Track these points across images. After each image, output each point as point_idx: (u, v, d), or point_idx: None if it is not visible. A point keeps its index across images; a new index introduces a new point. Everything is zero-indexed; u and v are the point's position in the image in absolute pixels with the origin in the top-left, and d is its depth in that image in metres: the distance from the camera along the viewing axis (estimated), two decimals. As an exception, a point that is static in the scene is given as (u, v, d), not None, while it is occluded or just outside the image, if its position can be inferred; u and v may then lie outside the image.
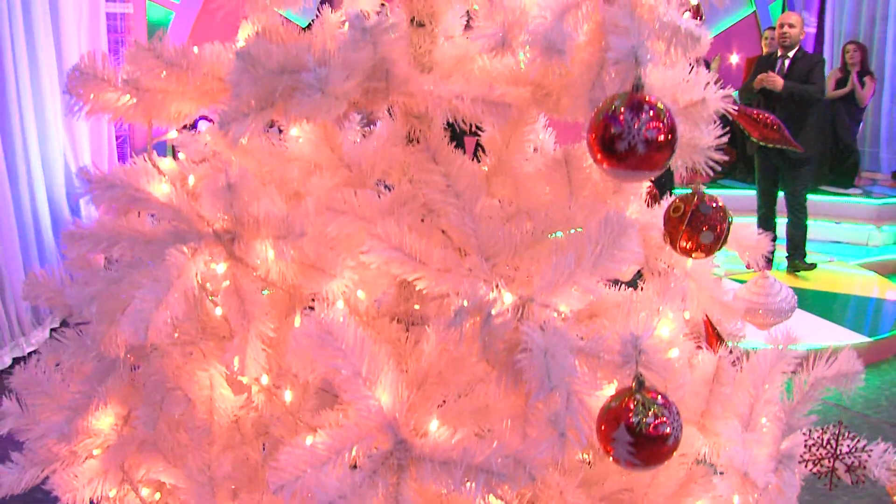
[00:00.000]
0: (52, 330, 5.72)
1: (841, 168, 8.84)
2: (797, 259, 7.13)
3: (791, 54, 6.74)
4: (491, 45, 1.32)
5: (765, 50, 9.23)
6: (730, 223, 1.74)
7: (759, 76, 6.63)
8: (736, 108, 1.68)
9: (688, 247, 1.68)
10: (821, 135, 7.33)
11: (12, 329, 5.31)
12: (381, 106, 1.43)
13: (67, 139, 6.04)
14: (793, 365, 1.90)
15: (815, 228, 8.25)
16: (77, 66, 1.46)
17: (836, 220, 8.34)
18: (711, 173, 1.73)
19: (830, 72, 9.59)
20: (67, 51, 5.92)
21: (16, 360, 5.30)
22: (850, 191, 8.80)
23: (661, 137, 1.29)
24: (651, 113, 1.28)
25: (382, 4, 1.76)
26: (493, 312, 1.25)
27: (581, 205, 1.60)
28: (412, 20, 1.54)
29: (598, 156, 1.30)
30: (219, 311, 1.56)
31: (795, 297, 2.25)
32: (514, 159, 1.65)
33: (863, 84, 8.89)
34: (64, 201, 5.98)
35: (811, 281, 7.05)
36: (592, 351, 1.29)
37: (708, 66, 9.24)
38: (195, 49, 1.46)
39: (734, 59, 10.16)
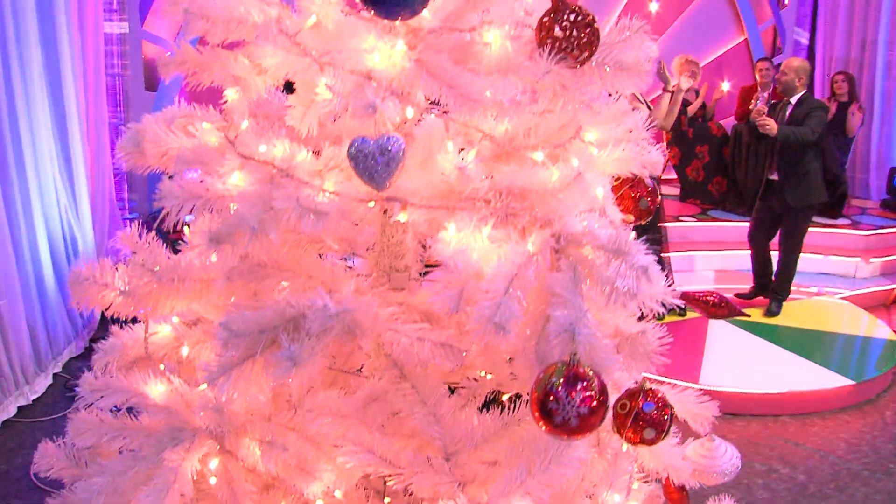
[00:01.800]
0: (54, 375, 5.87)
1: (829, 199, 8.94)
2: (779, 298, 7.24)
3: (794, 100, 6.84)
4: (447, 308, 1.47)
5: (759, 80, 9.37)
6: (671, 415, 1.88)
7: (753, 115, 6.76)
8: (683, 304, 1.82)
9: (633, 440, 1.82)
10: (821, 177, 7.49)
11: (16, 379, 5.45)
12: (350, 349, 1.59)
13: (67, 196, 6.18)
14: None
15: (803, 261, 8.37)
16: (78, 273, 1.61)
17: (823, 252, 8.47)
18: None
19: (820, 102, 9.73)
20: (69, 106, 6.06)
21: (20, 409, 5.45)
22: (839, 221, 8.93)
23: (594, 404, 1.46)
24: (584, 385, 1.44)
25: None
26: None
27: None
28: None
29: (539, 420, 1.47)
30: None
31: (739, 457, 2.39)
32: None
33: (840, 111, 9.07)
34: (64, 256, 6.12)
35: (795, 318, 7.19)
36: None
37: (697, 93, 9.38)
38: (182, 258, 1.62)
39: (725, 86, 10.29)
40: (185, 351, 1.75)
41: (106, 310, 1.68)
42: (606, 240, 1.51)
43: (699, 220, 8.62)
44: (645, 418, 1.83)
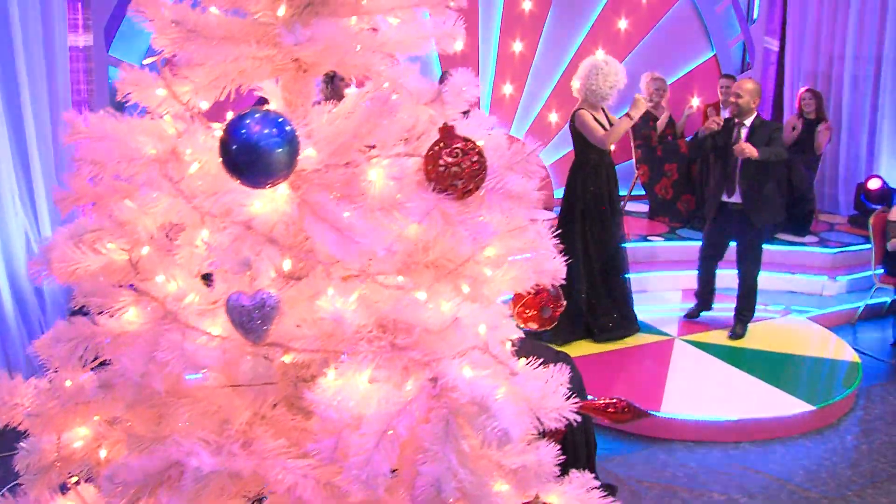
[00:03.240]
0: None
1: (796, 216, 9.01)
2: (745, 319, 7.29)
3: (748, 122, 6.86)
4: (322, 458, 1.47)
5: (721, 97, 9.41)
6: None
7: (735, 147, 6.75)
8: (579, 417, 1.82)
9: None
10: (780, 197, 7.55)
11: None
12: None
13: (28, 217, 6.14)
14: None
15: (770, 280, 8.42)
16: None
17: (790, 270, 8.51)
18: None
19: (788, 119, 9.79)
20: (28, 125, 6.02)
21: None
22: (806, 239, 8.97)
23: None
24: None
25: None
26: None
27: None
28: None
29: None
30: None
31: None
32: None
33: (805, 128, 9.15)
34: (25, 277, 6.08)
35: (759, 340, 7.21)
36: None
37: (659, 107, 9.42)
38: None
39: (695, 102, 10.33)
40: (103, 454, 1.75)
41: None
42: (471, 397, 1.51)
43: (667, 239, 8.64)
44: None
